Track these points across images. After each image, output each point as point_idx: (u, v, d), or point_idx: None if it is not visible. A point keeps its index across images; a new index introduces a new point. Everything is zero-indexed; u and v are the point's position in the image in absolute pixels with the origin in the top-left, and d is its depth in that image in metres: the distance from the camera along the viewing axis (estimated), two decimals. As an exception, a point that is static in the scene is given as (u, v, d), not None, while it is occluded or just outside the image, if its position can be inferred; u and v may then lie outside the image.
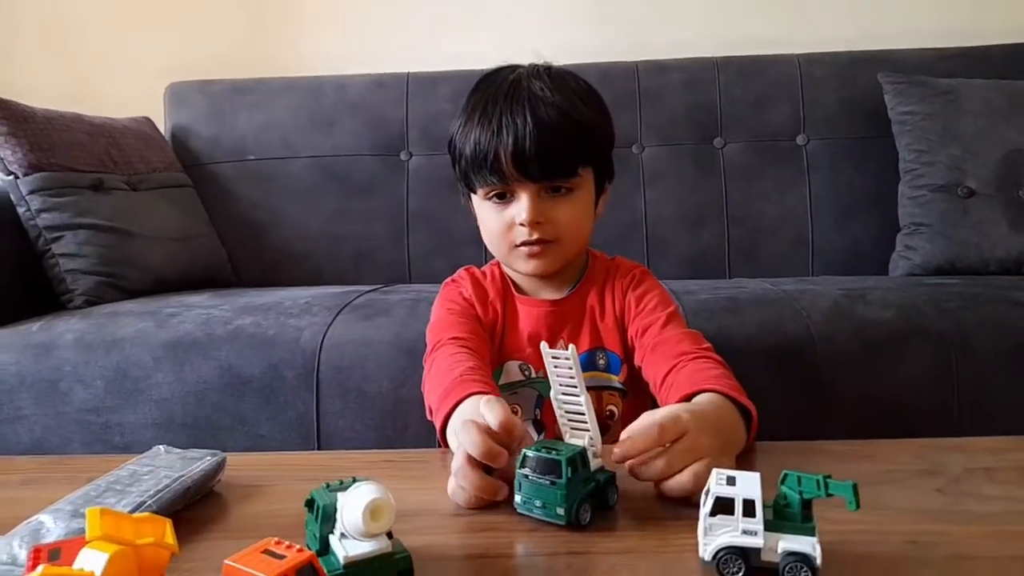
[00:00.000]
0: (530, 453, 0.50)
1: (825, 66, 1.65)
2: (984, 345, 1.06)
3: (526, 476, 0.50)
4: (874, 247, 1.56)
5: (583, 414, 0.53)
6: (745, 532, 0.42)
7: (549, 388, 0.75)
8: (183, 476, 0.54)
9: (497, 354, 0.86)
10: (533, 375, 0.85)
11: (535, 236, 0.79)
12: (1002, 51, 1.63)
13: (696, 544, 0.44)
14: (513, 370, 0.85)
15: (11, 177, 1.34)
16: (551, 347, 0.75)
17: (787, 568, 0.42)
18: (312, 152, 1.69)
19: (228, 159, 1.70)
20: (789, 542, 0.42)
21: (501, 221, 0.81)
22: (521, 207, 0.78)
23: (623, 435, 0.53)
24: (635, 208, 1.63)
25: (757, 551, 0.43)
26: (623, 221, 1.62)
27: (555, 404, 0.54)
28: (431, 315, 0.89)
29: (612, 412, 0.85)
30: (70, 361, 1.14)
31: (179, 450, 0.59)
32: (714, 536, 0.43)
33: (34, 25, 1.93)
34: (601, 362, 0.85)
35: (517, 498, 0.50)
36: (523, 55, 1.76)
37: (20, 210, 1.34)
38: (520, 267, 0.84)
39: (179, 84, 1.77)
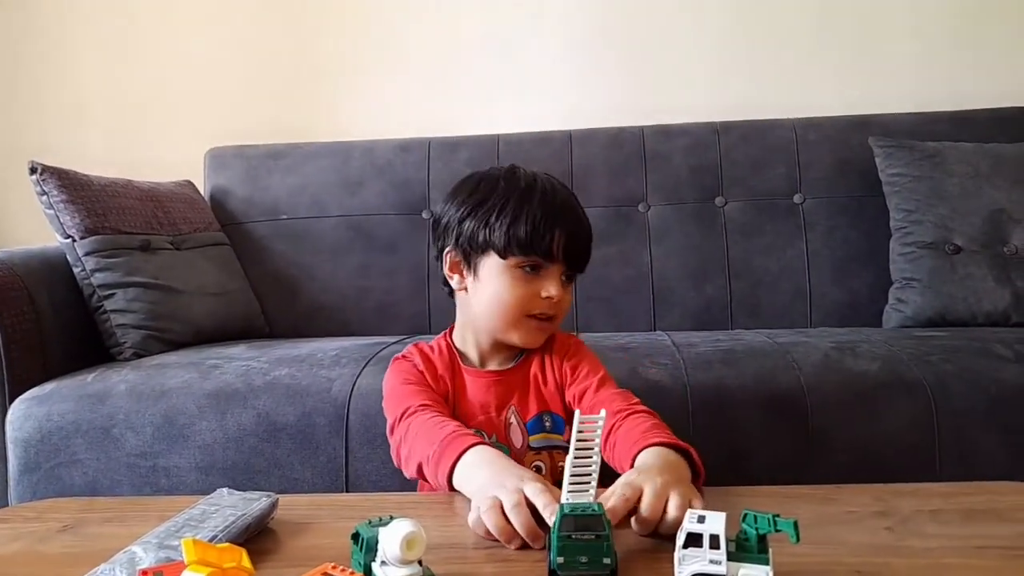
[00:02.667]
0: (567, 514, 0.55)
1: (819, 130, 1.77)
2: (963, 395, 1.14)
3: (569, 536, 0.54)
4: (869, 300, 1.65)
5: (590, 474, 0.60)
6: (711, 562, 0.52)
7: (503, 450, 0.85)
8: (245, 514, 0.64)
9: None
10: (486, 439, 0.85)
11: (551, 312, 0.90)
12: (985, 115, 1.73)
13: (672, 573, 0.53)
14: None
15: (68, 240, 1.47)
16: (499, 414, 0.91)
17: (746, 592, 0.51)
18: (341, 211, 1.82)
19: (263, 218, 1.84)
20: (747, 570, 0.51)
21: (528, 290, 0.89)
22: (551, 284, 0.89)
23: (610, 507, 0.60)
24: (642, 263, 1.73)
25: (723, 578, 0.52)
26: (631, 276, 1.73)
27: (568, 462, 0.59)
28: (384, 390, 0.94)
29: (563, 468, 0.88)
30: (123, 409, 1.25)
31: (240, 492, 0.69)
32: (686, 565, 0.52)
33: (86, 96, 2.10)
34: (547, 424, 0.92)
35: (559, 560, 0.54)
36: (536, 121, 1.91)
37: (76, 270, 1.47)
38: (521, 336, 0.92)
39: (218, 149, 1.92)
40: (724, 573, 0.52)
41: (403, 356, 0.96)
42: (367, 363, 1.27)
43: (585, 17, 1.98)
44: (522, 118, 1.93)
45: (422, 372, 0.93)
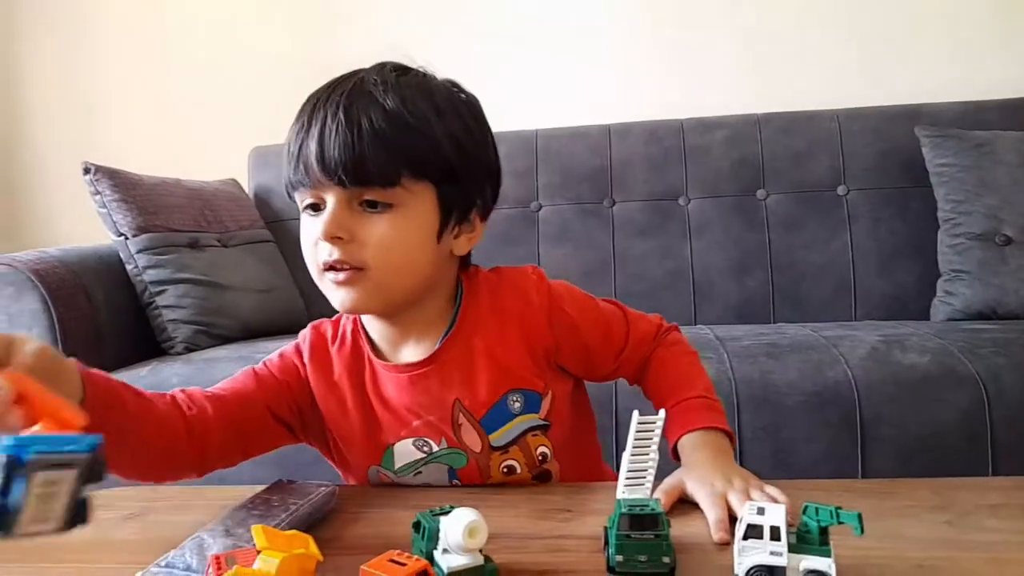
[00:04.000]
0: (625, 512, 0.54)
1: (863, 120, 1.74)
2: (1017, 388, 1.12)
3: (628, 536, 0.53)
4: (916, 292, 1.62)
5: (646, 472, 0.60)
6: (772, 553, 0.52)
7: (460, 458, 0.72)
8: (307, 503, 0.65)
9: (370, 442, 0.73)
10: (435, 448, 0.72)
11: (335, 255, 0.64)
12: (1034, 103, 1.69)
13: (731, 567, 0.53)
14: (408, 450, 0.72)
15: (121, 238, 1.52)
16: (441, 414, 0.70)
17: (808, 583, 0.51)
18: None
19: (305, 215, 1.86)
20: (809, 562, 0.51)
21: (310, 235, 0.67)
22: (322, 219, 0.64)
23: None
24: (682, 257, 1.72)
25: (783, 569, 0.52)
26: (671, 269, 1.72)
27: (624, 459, 0.58)
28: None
29: (544, 455, 0.74)
30: (175, 402, 1.28)
31: (298, 482, 0.71)
32: (746, 557, 0.52)
33: (132, 95, 2.15)
34: (516, 405, 0.71)
35: (618, 558, 0.53)
36: (577, 115, 1.91)
37: (128, 267, 1.52)
38: (332, 301, 0.69)
39: (262, 148, 1.95)
40: (785, 565, 0.52)
41: (288, 349, 0.78)
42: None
43: (624, 11, 1.97)
44: (560, 112, 1.93)
45: (292, 380, 0.75)
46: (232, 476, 1.25)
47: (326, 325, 0.78)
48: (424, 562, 0.49)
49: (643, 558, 0.54)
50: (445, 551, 0.53)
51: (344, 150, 0.63)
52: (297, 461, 1.26)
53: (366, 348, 0.74)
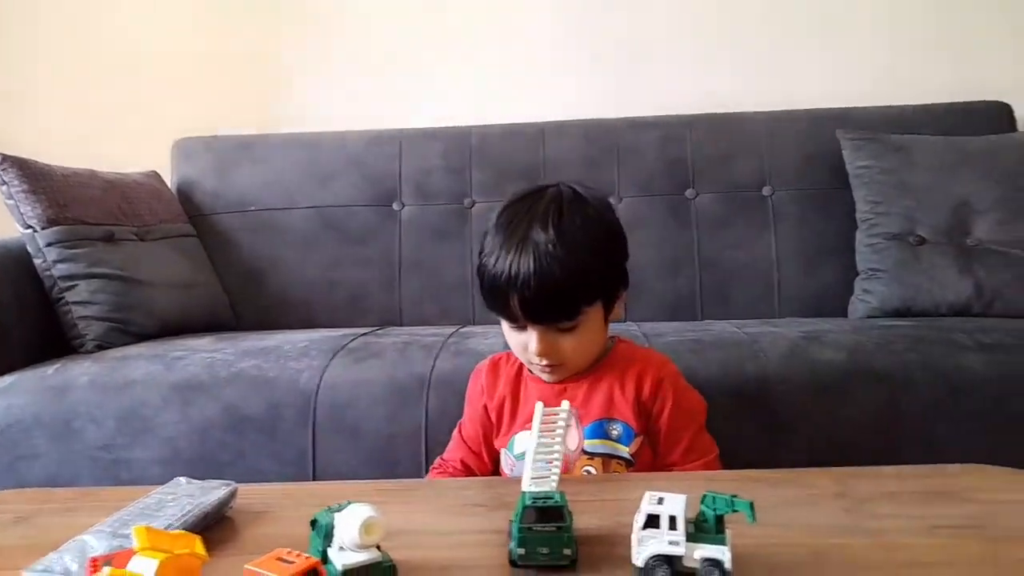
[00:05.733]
0: (528, 505, 0.55)
1: (789, 123, 1.78)
2: (926, 383, 1.16)
3: (530, 528, 0.54)
4: (836, 291, 1.66)
5: (552, 463, 0.60)
6: (670, 543, 0.52)
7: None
8: (202, 503, 0.63)
9: (508, 428, 0.96)
10: None
11: (543, 361, 0.89)
12: (951, 109, 1.76)
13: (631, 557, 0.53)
14: (524, 440, 0.92)
15: (29, 230, 1.44)
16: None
17: (704, 571, 0.51)
18: (311, 203, 1.80)
19: (231, 210, 1.81)
20: (705, 550, 0.51)
21: (517, 341, 0.91)
22: (531, 339, 0.87)
23: None
24: (613, 255, 1.73)
25: (680, 558, 0.52)
26: (602, 267, 1.73)
27: (529, 452, 0.59)
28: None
29: None
30: (84, 402, 1.23)
31: (198, 481, 0.68)
32: (644, 547, 0.52)
33: (51, 85, 2.05)
34: (614, 432, 0.91)
35: (520, 551, 0.54)
36: (511, 113, 1.90)
37: (37, 261, 1.44)
38: (540, 376, 0.94)
39: (186, 140, 1.89)
40: (682, 553, 0.52)
41: (477, 370, 1.02)
42: (335, 354, 1.26)
43: (558, 9, 1.98)
44: (496, 110, 1.93)
45: (482, 390, 0.99)
46: (143, 478, 1.21)
47: (498, 357, 1.02)
48: (313, 560, 0.47)
49: (545, 550, 0.54)
50: (341, 548, 0.52)
51: (542, 304, 0.85)
52: (216, 461, 1.23)
53: (526, 367, 0.97)
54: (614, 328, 1.36)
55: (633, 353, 0.99)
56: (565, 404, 0.60)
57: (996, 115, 1.74)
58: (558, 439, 0.58)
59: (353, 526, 0.50)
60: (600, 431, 0.91)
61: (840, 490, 0.67)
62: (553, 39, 1.98)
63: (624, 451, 0.90)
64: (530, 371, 0.96)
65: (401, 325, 1.72)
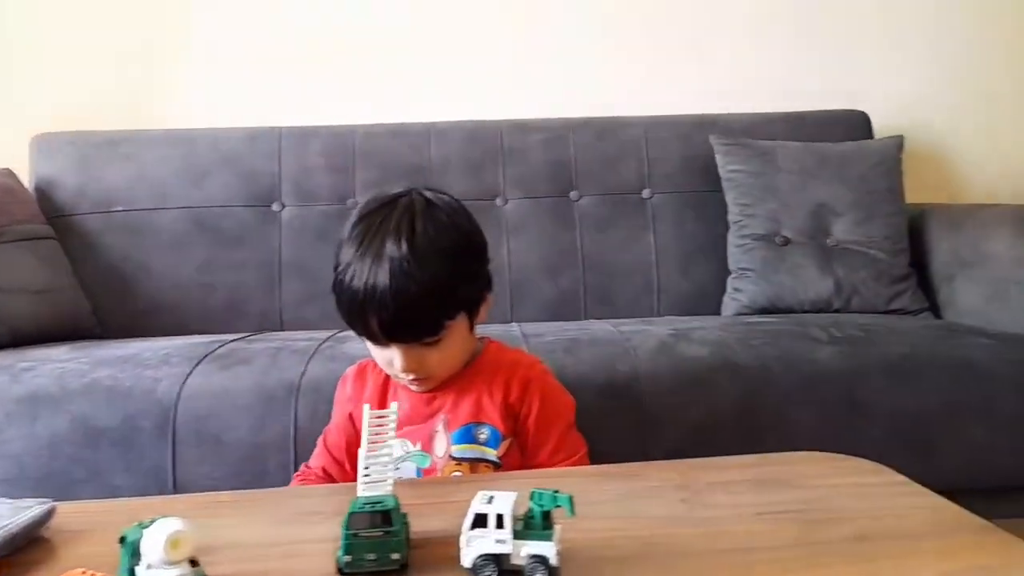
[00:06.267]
0: (356, 511, 0.53)
1: (667, 128, 1.84)
2: (782, 375, 1.22)
3: (355, 535, 0.53)
4: (711, 289, 1.73)
5: (385, 466, 0.58)
6: (497, 541, 0.52)
7: (425, 460, 0.89)
8: (10, 524, 0.58)
9: None
10: (411, 449, 0.90)
11: (409, 376, 0.88)
12: (814, 117, 1.87)
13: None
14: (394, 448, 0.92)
15: None
16: (427, 422, 0.91)
17: (528, 568, 0.51)
18: (183, 203, 1.72)
19: (96, 210, 1.71)
20: (531, 547, 0.52)
21: (381, 356, 0.89)
22: (395, 356, 0.85)
23: None
24: (499, 256, 1.74)
25: (507, 556, 0.52)
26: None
27: (361, 456, 0.57)
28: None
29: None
30: (-86, 419, 1.12)
31: (11, 500, 0.63)
32: (472, 547, 0.52)
33: None
34: (482, 436, 0.90)
35: (346, 558, 0.52)
36: (394, 113, 1.89)
37: None
38: (408, 386, 0.92)
39: (46, 135, 1.77)
40: (509, 552, 0.52)
41: (343, 377, 1.00)
42: (199, 361, 1.20)
43: (443, 11, 1.97)
44: (378, 110, 1.90)
45: (347, 399, 0.97)
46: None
47: (364, 364, 0.99)
48: (110, 579, 0.44)
49: (372, 556, 0.52)
50: (149, 567, 0.49)
51: (401, 324, 0.83)
52: (69, 479, 1.15)
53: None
54: (492, 329, 1.37)
55: (502, 355, 0.98)
56: (394, 406, 0.59)
57: (855, 123, 1.86)
58: (389, 440, 0.57)
59: (159, 541, 0.47)
60: (468, 436, 0.90)
61: (681, 482, 0.69)
62: (439, 40, 1.97)
63: (491, 454, 0.90)
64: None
65: (281, 330, 1.67)
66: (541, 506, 0.53)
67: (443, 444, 0.90)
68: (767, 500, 0.65)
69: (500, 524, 0.52)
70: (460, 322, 0.88)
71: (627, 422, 1.19)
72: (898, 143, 1.73)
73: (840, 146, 1.74)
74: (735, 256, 1.68)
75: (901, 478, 0.69)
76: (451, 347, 0.88)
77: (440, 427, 0.91)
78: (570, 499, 0.51)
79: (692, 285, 1.76)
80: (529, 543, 0.52)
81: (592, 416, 1.17)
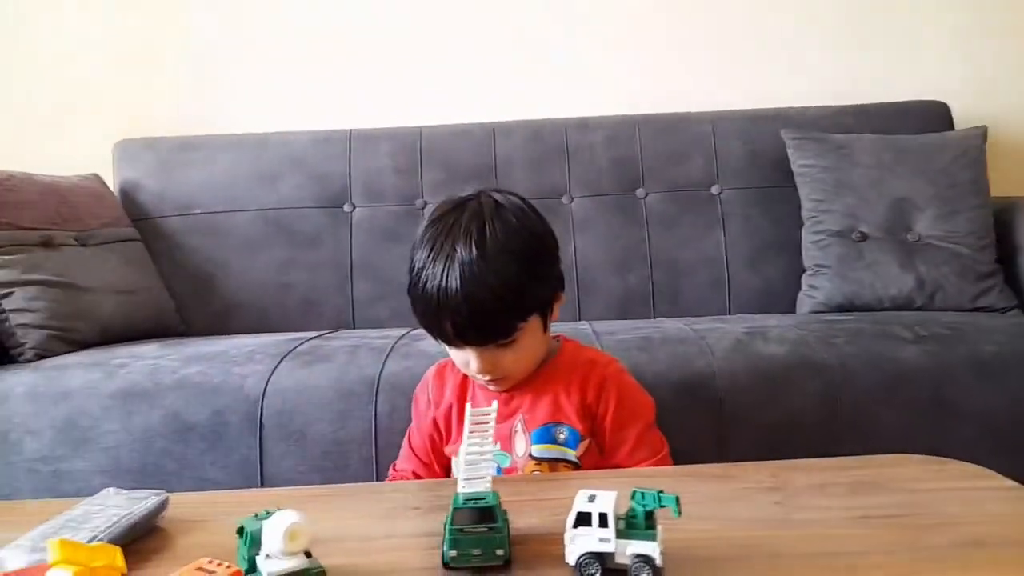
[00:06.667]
0: (460, 507, 0.54)
1: (734, 122, 1.81)
2: (864, 375, 1.19)
3: (461, 530, 0.53)
4: (784, 286, 1.70)
5: (484, 463, 0.58)
6: (601, 540, 0.52)
7: (505, 459, 0.90)
8: (130, 513, 0.61)
9: (457, 435, 0.94)
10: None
11: (485, 377, 0.89)
12: (889, 108, 1.81)
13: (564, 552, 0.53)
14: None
15: (-40, 237, 1.39)
16: (506, 422, 0.91)
17: (633, 567, 0.51)
18: (257, 205, 1.77)
19: (175, 213, 1.77)
20: (635, 547, 0.52)
21: (458, 357, 0.90)
22: (471, 359, 0.87)
23: None
24: (565, 254, 1.72)
25: (611, 555, 0.52)
26: (554, 266, 1.73)
27: (461, 452, 0.58)
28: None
29: None
30: (20, 413, 1.19)
31: (127, 491, 0.66)
32: (576, 545, 0.52)
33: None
34: (561, 436, 0.91)
35: (451, 553, 0.53)
36: (459, 113, 1.90)
37: (-30, 268, 1.39)
38: (486, 386, 0.93)
39: (127, 141, 1.84)
40: (612, 551, 0.52)
41: (423, 380, 1.01)
42: (282, 359, 1.24)
43: (504, 10, 1.98)
44: (445, 109, 1.92)
45: (428, 402, 0.98)
46: (85, 490, 1.17)
47: (443, 364, 1.00)
48: (236, 569, 0.47)
49: (477, 551, 0.54)
50: (268, 556, 0.51)
51: (475, 328, 0.84)
52: (161, 471, 1.20)
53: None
54: (562, 327, 1.37)
55: (578, 354, 0.99)
56: (495, 404, 0.60)
57: (934, 114, 1.80)
58: (489, 439, 0.58)
59: (277, 533, 0.49)
60: (547, 436, 0.91)
61: (774, 483, 0.68)
62: (501, 40, 1.98)
63: (571, 454, 0.91)
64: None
65: (354, 327, 1.71)
66: (644, 506, 0.53)
67: (523, 444, 0.91)
68: (865, 503, 0.64)
69: (603, 523, 0.53)
70: (533, 323, 0.88)
71: (705, 421, 1.18)
72: (981, 133, 1.66)
73: (920, 138, 1.68)
74: (810, 252, 1.64)
75: (1010, 483, 0.66)
76: (526, 348, 0.89)
77: (519, 427, 0.92)
78: (676, 499, 0.51)
79: (763, 282, 1.73)
80: (633, 542, 0.52)
81: (669, 415, 1.17)
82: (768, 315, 1.56)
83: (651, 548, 0.52)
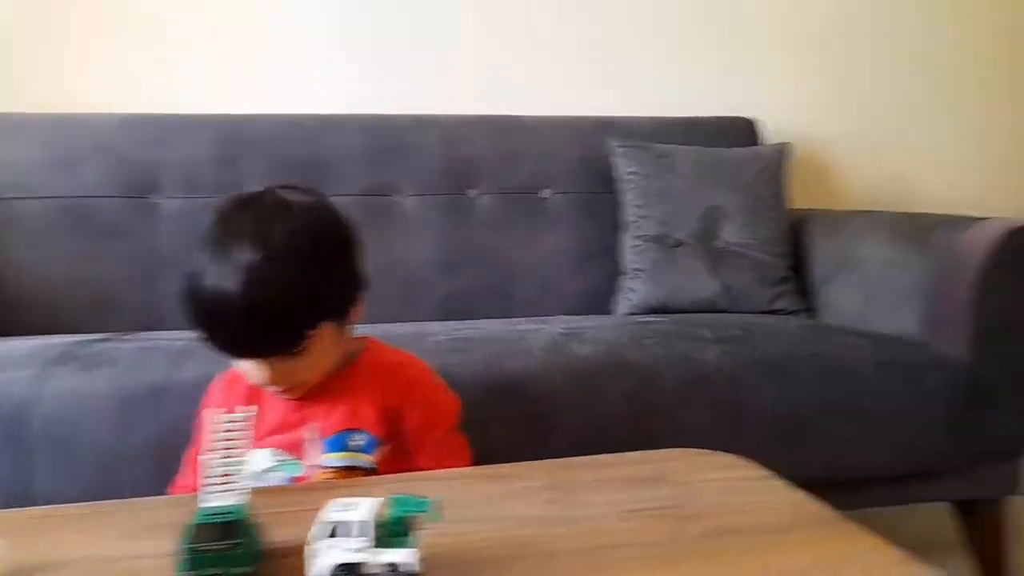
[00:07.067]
0: (200, 523, 0.50)
1: (565, 128, 1.85)
2: (670, 374, 1.25)
3: (195, 548, 0.49)
4: (608, 289, 1.76)
5: (236, 472, 0.54)
6: (350, 550, 0.49)
7: (297, 468, 0.85)
8: None
9: None
10: (283, 458, 0.87)
11: (275, 388, 0.83)
12: (705, 122, 1.93)
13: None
14: (262, 457, 0.86)
15: None
16: (298, 430, 0.86)
17: (386, 576, 0.49)
18: (52, 192, 1.60)
19: (-49, 198, 1.56)
20: (390, 555, 0.50)
21: (242, 367, 0.83)
22: (250, 370, 0.81)
23: None
24: (394, 252, 1.71)
25: (365, 564, 0.50)
26: (383, 265, 1.69)
27: (205, 464, 0.54)
28: None
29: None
30: None
31: None
32: (322, 557, 0.49)
33: None
34: (356, 443, 0.86)
35: (188, 574, 0.50)
36: (288, 103, 1.82)
37: None
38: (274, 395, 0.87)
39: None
40: (367, 560, 0.50)
41: (214, 385, 0.96)
42: (58, 363, 1.11)
43: (342, 5, 1.92)
44: (268, 98, 1.83)
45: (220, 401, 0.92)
46: None
47: (233, 371, 0.91)
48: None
49: (215, 571, 0.49)
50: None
51: (255, 342, 0.78)
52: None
53: None
54: (383, 329, 1.33)
55: (382, 357, 0.95)
56: (247, 409, 0.56)
57: (743, 130, 1.93)
58: (240, 447, 0.54)
59: (-38, 564, 0.42)
60: (340, 443, 0.86)
61: (551, 482, 0.69)
62: (332, 29, 1.92)
63: (365, 460, 0.86)
64: None
65: (164, 328, 1.58)
66: (401, 511, 0.51)
67: (315, 452, 0.87)
68: (635, 497, 0.66)
69: (357, 532, 0.50)
70: (326, 330, 0.82)
71: (518, 422, 1.18)
72: (782, 150, 1.81)
73: (731, 152, 1.81)
74: (629, 257, 1.71)
75: (764, 471, 0.71)
76: (318, 355, 0.83)
77: (311, 434, 0.87)
78: (431, 503, 0.50)
79: (587, 285, 1.78)
80: (389, 551, 0.50)
81: (482, 416, 1.17)
82: (589, 316, 1.61)
83: (406, 555, 0.50)
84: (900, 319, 1.46)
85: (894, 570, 0.52)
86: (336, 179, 1.72)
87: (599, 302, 1.74)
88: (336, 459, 0.85)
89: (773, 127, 2.00)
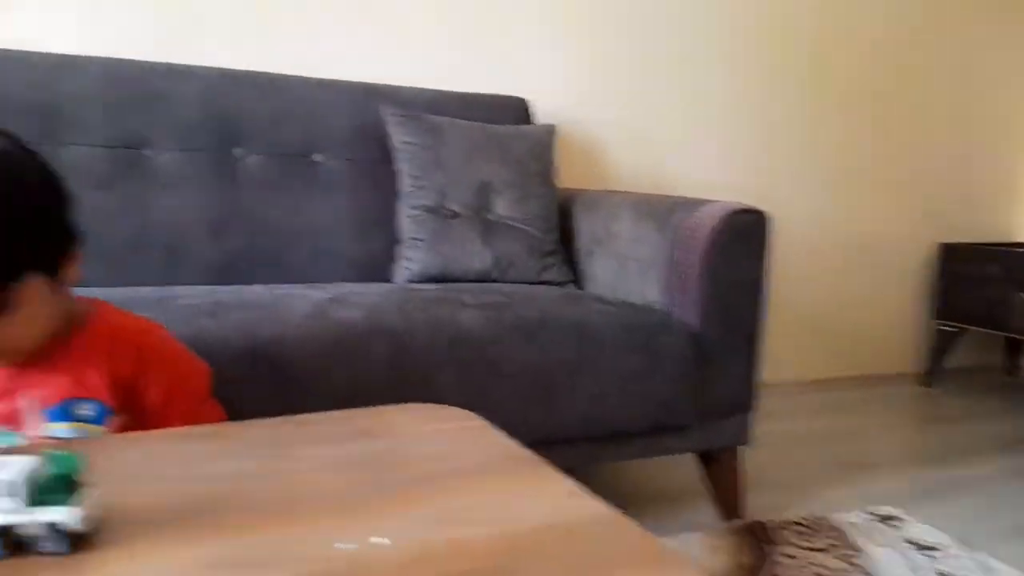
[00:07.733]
0: None
1: (337, 92, 1.80)
2: (428, 338, 1.28)
3: None
4: (385, 258, 1.76)
5: None
6: (3, 511, 0.46)
7: (11, 439, 0.79)
8: None
9: None
10: (1, 429, 0.80)
11: None
12: (484, 100, 1.98)
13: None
14: None
15: None
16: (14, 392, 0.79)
17: (40, 538, 0.46)
18: None
19: None
20: (48, 514, 0.47)
21: None
22: None
23: None
24: (150, 212, 1.58)
25: (21, 526, 0.47)
26: (138, 227, 1.56)
27: None
28: None
29: None
30: None
31: None
32: (-28, 519, 0.46)
33: None
34: (84, 412, 0.81)
35: None
36: (17, 40, 1.61)
37: None
38: None
39: None
40: (20, 521, 0.46)
41: None
42: None
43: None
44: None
45: None
46: None
47: None
48: None
49: None
50: None
51: None
52: None
53: None
54: (134, 292, 1.24)
55: (113, 320, 0.88)
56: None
57: (516, 108, 2.01)
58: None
59: None
60: (66, 414, 0.81)
61: (273, 439, 0.68)
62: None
63: (96, 431, 0.81)
64: None
65: None
66: (58, 469, 0.48)
67: (36, 422, 0.80)
68: (350, 451, 0.67)
69: (9, 492, 0.46)
70: (34, 285, 0.76)
71: (272, 388, 1.15)
72: (550, 130, 1.91)
73: (504, 128, 1.87)
74: (407, 226, 1.72)
75: (479, 422, 0.75)
76: (27, 315, 0.76)
77: (28, 404, 0.80)
78: (78, 458, 0.47)
79: (365, 252, 1.76)
80: (46, 509, 0.47)
81: (235, 383, 1.12)
82: (364, 284, 1.60)
83: (66, 514, 0.47)
84: (647, 289, 1.61)
85: (564, 500, 0.58)
86: (72, 127, 1.56)
87: (377, 270, 1.73)
88: (63, 429, 0.80)
89: (544, 109, 2.10)
